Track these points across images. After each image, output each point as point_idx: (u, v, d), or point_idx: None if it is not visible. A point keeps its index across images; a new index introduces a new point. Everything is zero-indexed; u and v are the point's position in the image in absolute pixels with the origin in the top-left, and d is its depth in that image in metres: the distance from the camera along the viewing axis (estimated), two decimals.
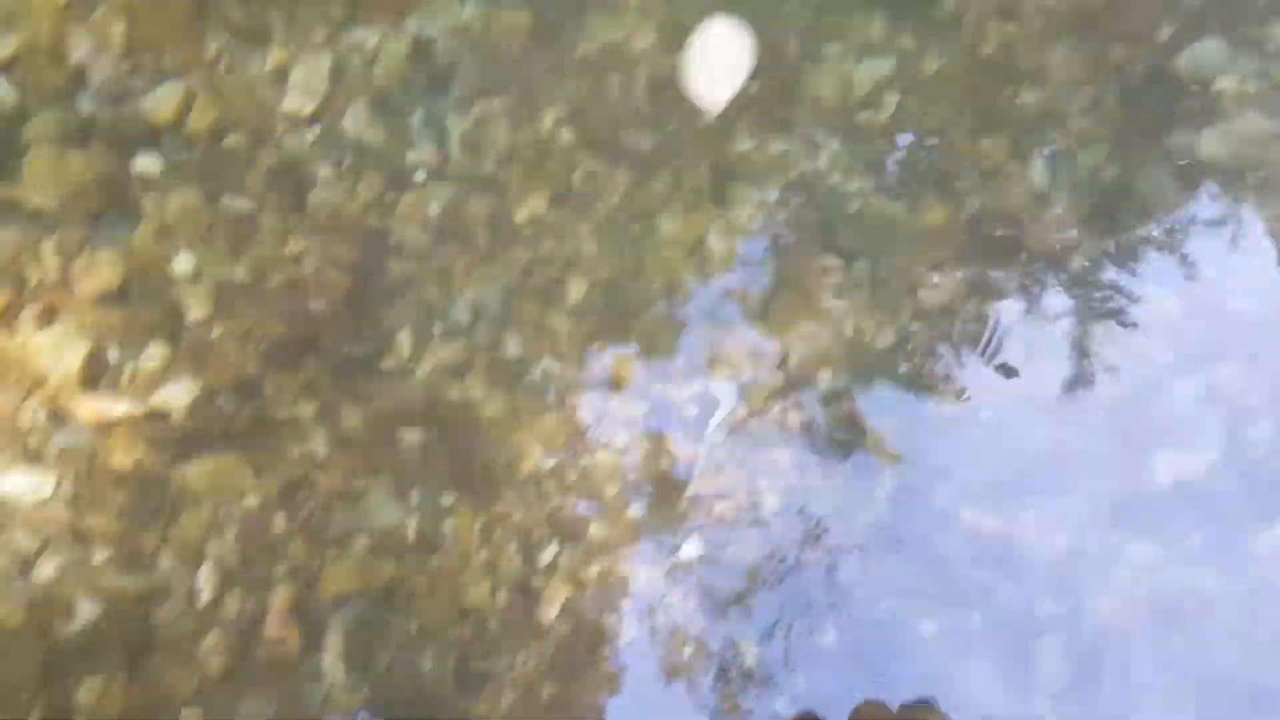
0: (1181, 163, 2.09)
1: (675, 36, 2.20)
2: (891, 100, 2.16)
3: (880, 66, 2.18)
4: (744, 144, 2.14)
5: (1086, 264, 2.07)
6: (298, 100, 2.11)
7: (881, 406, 1.98)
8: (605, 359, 2.02)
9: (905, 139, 2.16)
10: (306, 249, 2.02)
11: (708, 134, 2.15)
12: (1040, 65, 2.17)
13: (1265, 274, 2.05)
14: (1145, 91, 2.15)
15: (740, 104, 2.16)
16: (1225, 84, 2.11)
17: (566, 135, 2.15)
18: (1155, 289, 2.03)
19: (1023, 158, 2.12)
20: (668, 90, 2.18)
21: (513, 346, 2.01)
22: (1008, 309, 2.04)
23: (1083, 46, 2.18)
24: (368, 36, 2.17)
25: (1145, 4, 2.20)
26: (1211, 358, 2.00)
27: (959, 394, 1.98)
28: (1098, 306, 2.04)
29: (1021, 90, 2.16)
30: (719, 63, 1.98)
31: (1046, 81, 2.16)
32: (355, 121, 2.12)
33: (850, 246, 2.09)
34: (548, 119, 2.15)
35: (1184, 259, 2.05)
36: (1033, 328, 2.03)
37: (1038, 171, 2.11)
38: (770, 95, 2.17)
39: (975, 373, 1.99)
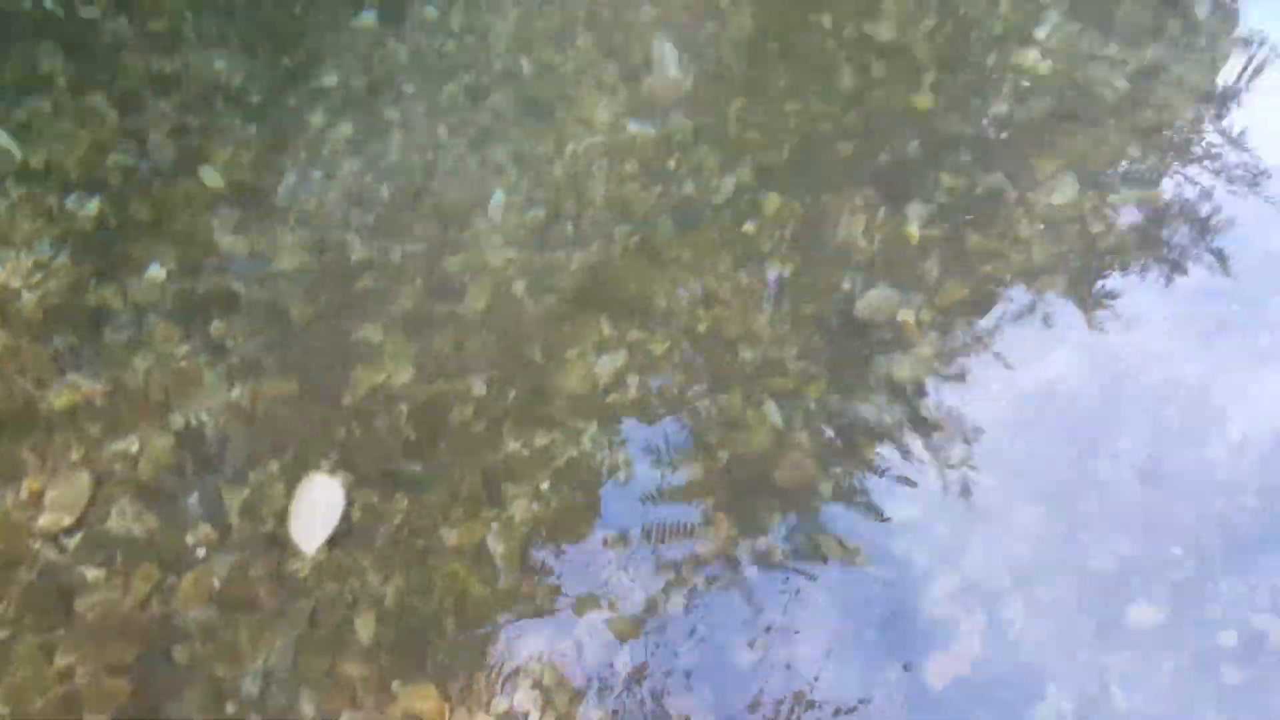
0: (884, 388, 2.31)
1: (431, 367, 2.37)
2: (633, 380, 2.31)
3: (616, 359, 2.34)
4: (511, 445, 2.22)
5: (829, 490, 2.19)
6: (55, 515, 2.07)
7: None
8: (405, 700, 1.94)
9: (653, 409, 2.28)
10: (77, 660, 1.91)
11: (475, 443, 2.22)
12: (749, 329, 2.38)
13: (977, 472, 2.23)
14: (843, 332, 2.37)
15: (500, 412, 2.29)
16: (905, 316, 2.40)
17: (341, 482, 2.18)
18: (893, 500, 2.17)
19: (757, 405, 2.28)
20: (433, 414, 2.29)
21: (308, 708, 1.92)
22: (762, 547, 2.13)
23: (781, 307, 2.42)
24: (129, 444, 2.20)
25: (824, 265, 2.48)
26: (957, 551, 2.13)
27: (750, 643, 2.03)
28: (845, 526, 2.15)
29: (740, 351, 2.36)
30: (314, 513, 2.12)
31: (759, 341, 2.38)
32: (122, 519, 2.08)
33: (623, 516, 2.15)
34: (323, 468, 2.20)
35: (911, 468, 2.21)
36: (791, 562, 2.12)
37: (773, 414, 2.28)
38: (526, 399, 2.28)
39: (750, 617, 2.05)
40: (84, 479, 2.13)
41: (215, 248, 2.49)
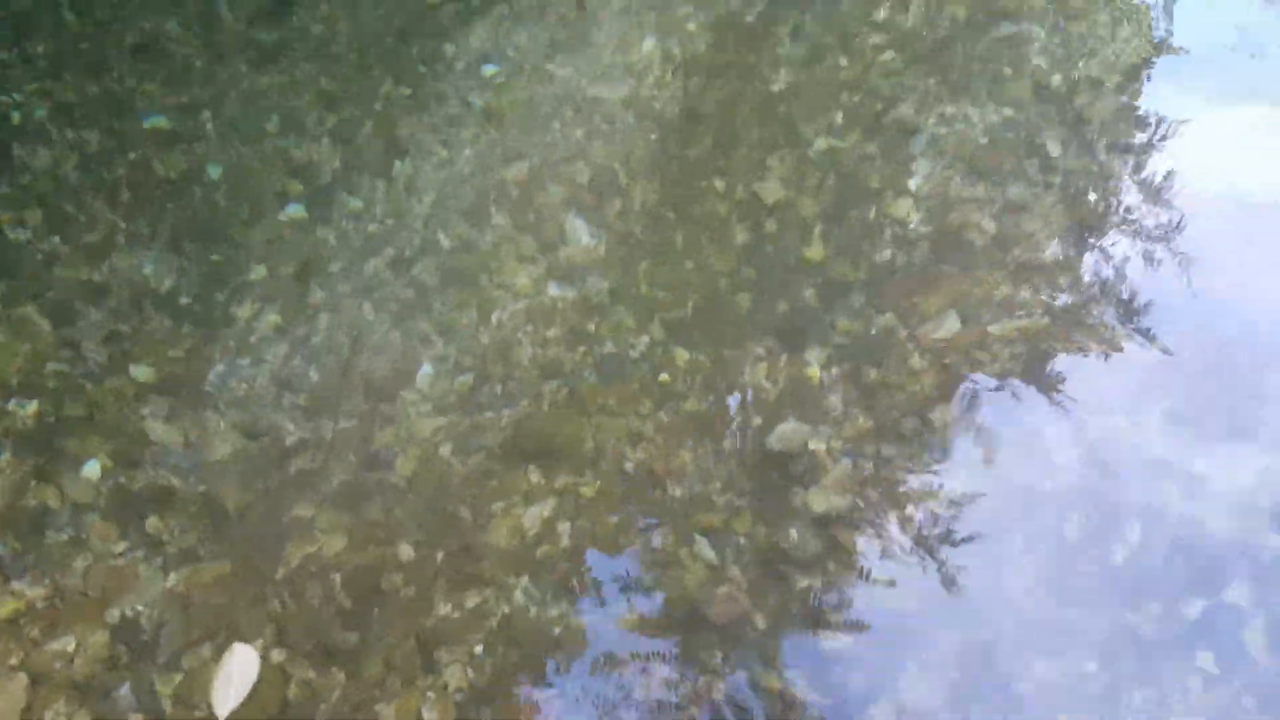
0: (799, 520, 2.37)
1: (360, 535, 2.40)
2: (563, 529, 2.35)
3: (544, 508, 2.37)
4: (442, 608, 2.20)
5: (762, 622, 2.20)
6: None
7: None
8: None
9: (585, 558, 2.30)
10: None
11: (407, 609, 2.20)
12: (673, 468, 2.45)
13: (899, 597, 2.27)
14: (761, 465, 2.45)
15: (430, 574, 2.29)
16: (816, 445, 2.49)
17: (276, 657, 2.15)
18: (825, 628, 2.19)
19: (689, 543, 2.34)
20: (364, 584, 2.28)
21: None
22: (701, 687, 2.12)
23: (701, 446, 2.50)
24: (67, 642, 2.16)
25: (737, 405, 2.59)
26: (890, 676, 2.14)
27: None
28: (780, 658, 2.15)
29: (668, 488, 2.43)
30: (230, 680, 2.13)
31: (684, 478, 2.46)
32: None
33: (558, 671, 2.12)
34: (258, 645, 2.15)
35: (837, 596, 2.23)
36: (731, 699, 2.11)
37: (705, 550, 2.34)
38: (455, 559, 2.28)
39: None
40: (21, 682, 2.07)
41: (148, 441, 2.53)
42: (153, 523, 2.37)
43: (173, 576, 2.27)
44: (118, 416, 2.57)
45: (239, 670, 2.13)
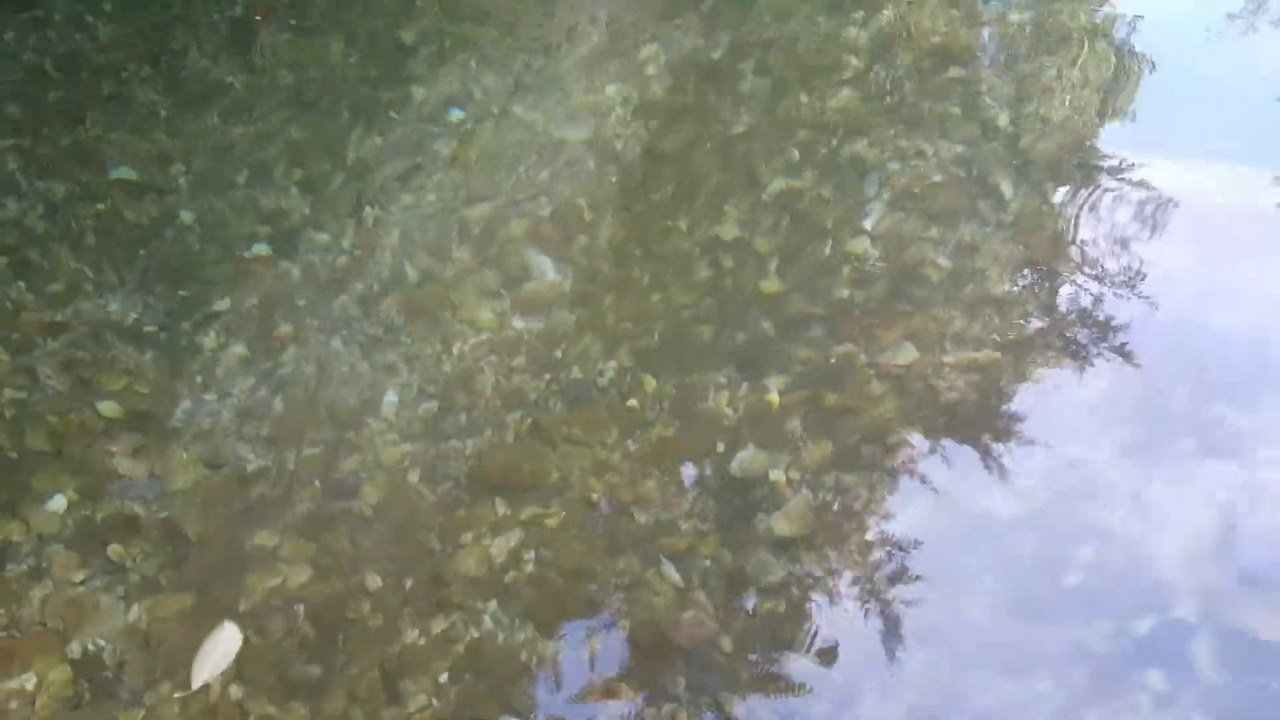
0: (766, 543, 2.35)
1: (328, 565, 2.34)
2: (529, 556, 2.30)
3: (510, 538, 2.32)
4: (409, 635, 2.15)
5: (729, 645, 2.16)
6: None
7: None
8: None
9: (550, 588, 2.25)
10: None
11: (373, 638, 2.14)
12: (639, 495, 2.41)
13: (863, 619, 2.25)
14: (725, 492, 2.43)
15: (397, 603, 2.24)
16: (775, 475, 2.48)
17: (235, 693, 2.07)
18: (789, 650, 2.16)
19: (655, 565, 2.29)
20: (329, 614, 2.21)
21: None
22: (667, 713, 2.08)
23: (666, 474, 2.48)
24: (26, 680, 2.09)
25: (700, 432, 2.62)
26: (855, 699, 2.11)
27: None
28: (746, 682, 2.13)
29: (634, 515, 2.38)
30: (213, 652, 2.15)
31: (649, 504, 2.41)
32: None
33: (525, 698, 2.08)
34: (215, 687, 2.08)
35: (800, 619, 2.21)
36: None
37: (671, 574, 2.29)
38: (423, 587, 2.23)
39: None
40: None
41: (115, 474, 2.47)
42: (115, 550, 2.31)
43: (134, 609, 2.21)
44: (82, 450, 2.51)
45: (224, 645, 2.14)
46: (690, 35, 3.89)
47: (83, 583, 2.25)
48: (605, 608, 2.23)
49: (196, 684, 2.07)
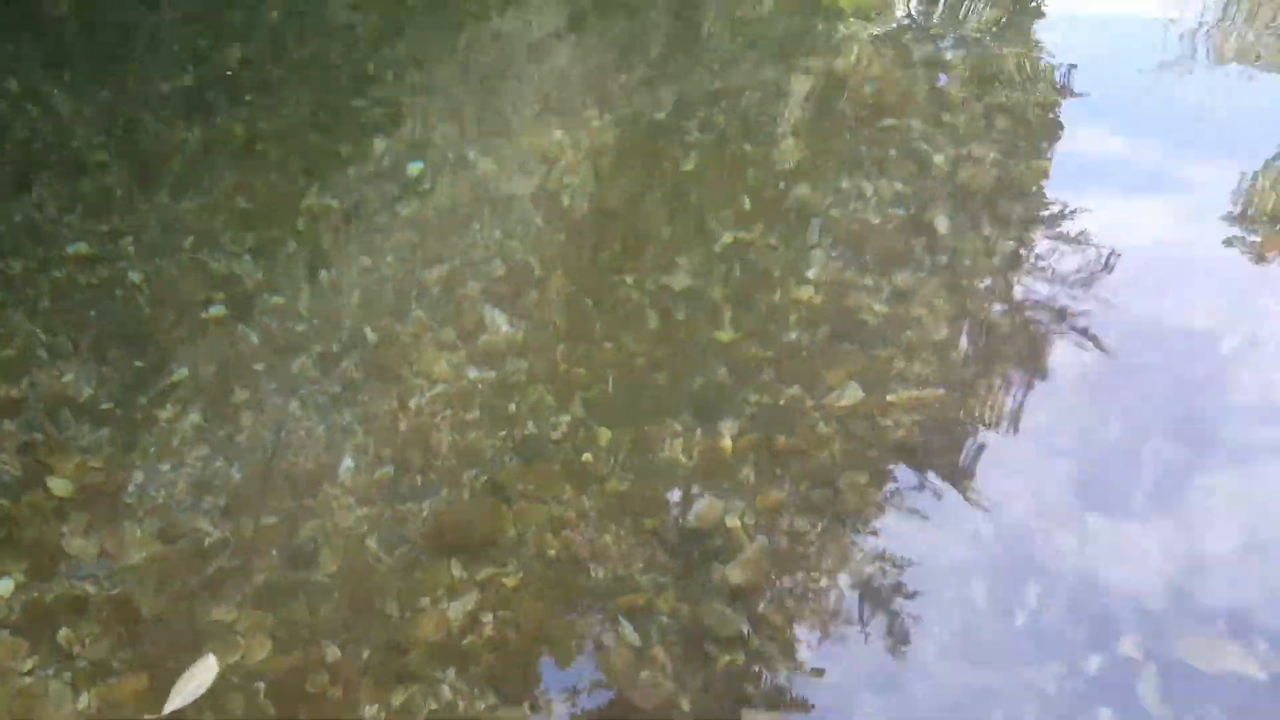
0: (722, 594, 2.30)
1: (286, 638, 2.27)
2: (487, 619, 2.22)
3: (468, 601, 2.24)
4: (368, 710, 2.06)
5: (688, 705, 2.09)
6: None
7: None
8: None
9: (508, 652, 2.17)
10: None
11: (333, 712, 2.05)
12: (595, 550, 2.35)
13: (820, 669, 2.19)
14: (681, 542, 2.38)
15: (356, 674, 2.17)
16: (732, 522, 2.45)
17: None
18: (749, 708, 2.10)
19: (614, 624, 2.26)
20: (289, 690, 2.11)
21: None
22: None
23: (622, 527, 2.42)
24: None
25: (656, 483, 2.56)
26: None
27: None
28: None
29: (591, 572, 2.35)
30: (191, 682, 2.11)
31: (606, 559, 2.37)
32: None
33: None
34: None
35: (759, 672, 2.15)
36: None
37: (629, 634, 2.22)
38: (382, 656, 2.15)
39: None
40: None
41: (64, 554, 2.37)
42: (65, 634, 2.21)
43: (84, 698, 2.11)
44: (33, 531, 2.42)
45: (199, 676, 2.14)
46: (639, 91, 3.92)
47: (30, 672, 2.14)
48: (564, 671, 2.16)
49: (168, 709, 2.04)
